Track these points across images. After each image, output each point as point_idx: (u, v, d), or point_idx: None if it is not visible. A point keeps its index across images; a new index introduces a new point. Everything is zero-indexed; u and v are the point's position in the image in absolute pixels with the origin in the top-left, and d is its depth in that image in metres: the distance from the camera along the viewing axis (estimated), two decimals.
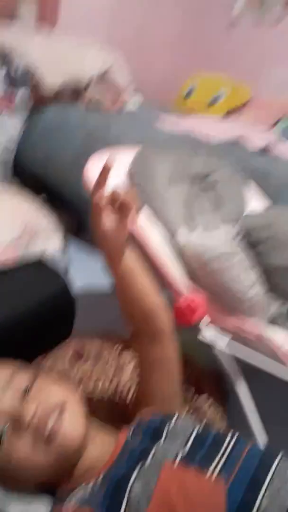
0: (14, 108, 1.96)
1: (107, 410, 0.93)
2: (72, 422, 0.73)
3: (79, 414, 0.75)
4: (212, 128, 2.25)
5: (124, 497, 0.66)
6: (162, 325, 0.85)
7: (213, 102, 2.91)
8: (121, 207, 0.75)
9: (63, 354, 1.02)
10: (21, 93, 1.98)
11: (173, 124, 2.26)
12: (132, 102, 2.51)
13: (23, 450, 0.71)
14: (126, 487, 0.67)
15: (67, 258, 1.20)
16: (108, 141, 1.91)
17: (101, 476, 0.71)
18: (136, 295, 0.83)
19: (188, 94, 2.99)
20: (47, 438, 0.71)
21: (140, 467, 0.69)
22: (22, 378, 0.77)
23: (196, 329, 1.06)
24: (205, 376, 1.09)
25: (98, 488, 0.70)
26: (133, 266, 0.82)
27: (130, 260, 0.82)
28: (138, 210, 0.76)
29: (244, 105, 3.02)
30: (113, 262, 0.81)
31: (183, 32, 3.38)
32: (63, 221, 1.31)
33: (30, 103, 2.05)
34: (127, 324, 0.86)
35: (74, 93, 2.26)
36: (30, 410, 0.71)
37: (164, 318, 0.85)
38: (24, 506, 0.73)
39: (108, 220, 0.76)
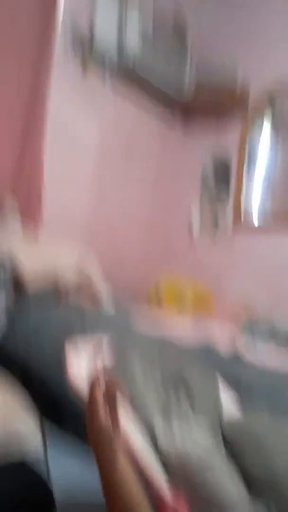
0: None
1: None
2: None
3: None
4: (183, 331, 2.39)
5: None
6: None
7: (180, 303, 3.14)
8: (111, 401, 0.79)
9: None
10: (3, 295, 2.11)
11: (147, 327, 2.39)
12: (106, 300, 2.67)
13: None
14: None
15: (47, 462, 1.16)
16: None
17: None
18: (125, 505, 0.81)
19: (157, 295, 3.23)
20: None
21: None
22: None
23: None
24: None
25: None
26: (126, 470, 0.82)
27: (124, 463, 0.82)
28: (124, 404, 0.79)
29: (208, 309, 3.26)
30: (106, 463, 0.80)
31: (151, 234, 3.81)
32: (44, 413, 1.29)
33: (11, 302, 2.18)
34: None
35: (54, 291, 2.43)
36: None
37: None
38: None
39: (104, 414, 0.78)
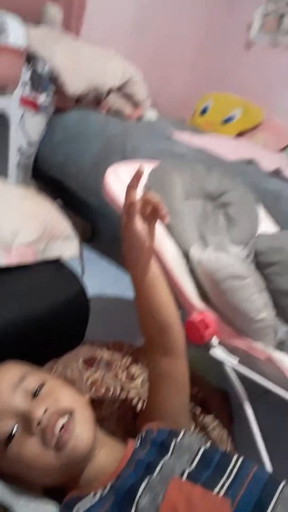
0: (37, 109, 1.98)
1: (115, 421, 0.93)
2: (81, 428, 0.73)
3: (88, 421, 0.76)
4: (225, 147, 2.28)
5: (131, 508, 0.67)
6: (177, 340, 0.85)
7: (226, 121, 2.95)
8: (152, 211, 0.76)
9: (74, 360, 1.02)
10: (45, 96, 1.99)
11: (187, 139, 2.29)
12: (149, 115, 2.54)
13: (31, 451, 0.71)
14: (134, 499, 0.68)
15: (83, 264, 1.20)
16: (125, 150, 1.93)
17: (108, 486, 0.72)
18: (156, 305, 0.83)
19: (203, 112, 3.03)
20: (56, 444, 0.71)
21: (148, 480, 0.70)
22: (32, 379, 0.77)
23: (206, 346, 1.07)
24: (213, 395, 1.09)
25: (105, 498, 0.70)
26: (157, 275, 0.83)
27: (155, 268, 0.82)
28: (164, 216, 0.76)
29: (255, 127, 3.06)
30: (138, 267, 0.81)
31: (200, 51, 3.43)
32: (77, 227, 1.31)
33: (53, 106, 2.07)
34: (142, 333, 0.86)
35: (95, 100, 2.29)
36: (39, 412, 0.71)
37: (179, 333, 0.86)
38: (34, 508, 0.72)
39: (140, 222, 0.76)
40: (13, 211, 1.10)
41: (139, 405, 0.96)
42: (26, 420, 0.71)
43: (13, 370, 0.78)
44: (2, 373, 0.78)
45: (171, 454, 0.75)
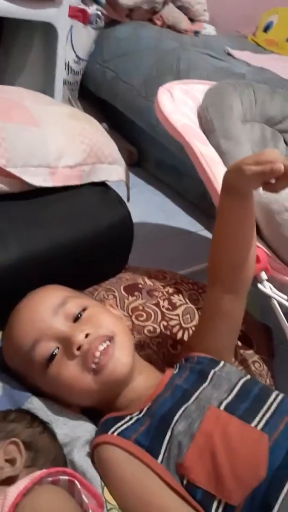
0: (87, 22, 1.86)
1: (155, 347, 0.93)
2: (120, 353, 0.73)
3: (127, 346, 0.76)
4: None
5: (167, 433, 0.67)
6: (247, 281, 0.83)
7: None
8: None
9: (116, 286, 1.01)
10: (96, 7, 1.87)
11: (248, 58, 2.12)
12: (207, 30, 2.35)
13: (70, 374, 0.72)
14: (170, 424, 0.68)
15: (128, 189, 1.16)
16: (180, 67, 1.82)
17: (144, 409, 0.72)
18: (240, 241, 0.79)
19: (267, 28, 2.78)
20: (96, 369, 0.71)
21: (185, 407, 0.70)
22: (74, 303, 0.76)
23: (254, 280, 1.03)
24: (255, 330, 1.07)
25: (141, 420, 0.71)
26: (252, 209, 0.78)
27: (252, 202, 0.78)
28: None
29: None
30: (241, 194, 0.75)
31: None
32: (124, 151, 1.26)
33: (104, 19, 1.94)
34: (210, 265, 0.84)
35: (149, 12, 2.13)
36: (81, 336, 0.72)
37: (251, 275, 0.84)
38: (73, 425, 0.74)
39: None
40: (59, 130, 1.05)
41: (180, 334, 0.95)
42: (67, 344, 0.72)
43: (55, 294, 0.78)
44: (44, 296, 0.78)
45: (209, 382, 0.74)
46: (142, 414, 0.72)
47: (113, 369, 0.72)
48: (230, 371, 0.78)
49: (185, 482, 0.64)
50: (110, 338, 0.74)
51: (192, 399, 0.71)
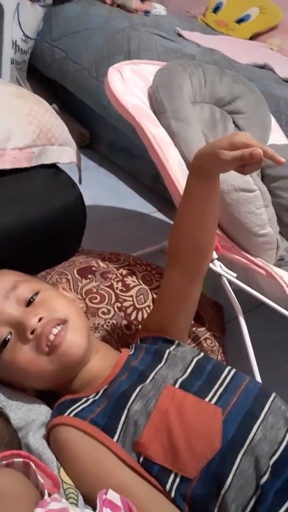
0: None
1: (110, 329, 0.93)
2: (74, 335, 0.73)
3: (81, 328, 0.76)
4: (237, 49, 2.12)
5: (123, 413, 0.69)
6: (204, 267, 0.84)
7: (240, 21, 2.72)
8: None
9: (69, 269, 1.00)
10: None
11: (198, 39, 2.12)
12: (158, 10, 2.33)
13: (25, 357, 0.72)
14: (126, 405, 0.69)
15: (80, 171, 1.15)
16: (130, 47, 1.80)
17: (101, 391, 0.73)
18: (201, 226, 0.79)
19: (216, 9, 2.78)
20: (49, 349, 0.71)
21: (141, 387, 0.71)
22: (26, 287, 0.76)
23: None
24: (207, 307, 1.10)
25: (97, 401, 0.72)
26: (216, 196, 0.78)
27: (218, 188, 0.77)
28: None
29: (272, 29, 2.83)
30: (206, 178, 0.74)
31: None
32: (75, 133, 1.24)
33: None
34: (170, 247, 0.84)
35: None
36: (34, 320, 0.71)
37: (208, 261, 0.85)
38: (27, 409, 0.74)
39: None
40: (6, 110, 1.02)
41: (133, 315, 0.96)
42: (20, 328, 0.71)
43: (5, 278, 0.77)
44: None
45: (165, 362, 0.76)
46: (98, 395, 0.73)
47: (66, 349, 0.72)
48: (184, 350, 0.80)
49: (141, 459, 0.66)
50: (64, 321, 0.73)
51: (148, 380, 0.72)
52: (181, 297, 0.83)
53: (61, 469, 0.68)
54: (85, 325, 0.78)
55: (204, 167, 0.74)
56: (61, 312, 0.74)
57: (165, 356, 0.77)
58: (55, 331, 0.72)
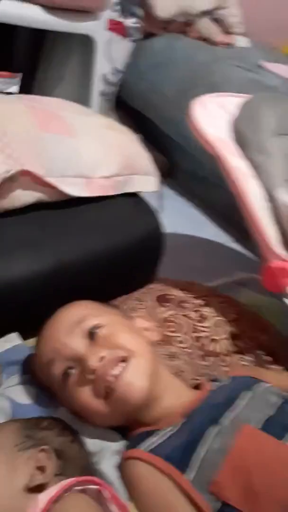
0: (125, 34, 1.89)
1: (185, 358, 0.92)
2: (134, 377, 0.71)
3: (144, 366, 0.73)
4: None
5: (200, 451, 0.66)
6: None
7: None
8: None
9: (146, 296, 1.01)
10: (133, 20, 1.90)
11: (281, 70, 2.11)
12: (241, 42, 2.35)
13: (82, 397, 0.71)
14: (203, 442, 0.67)
15: (161, 200, 1.17)
16: (213, 79, 1.82)
17: (179, 424, 0.71)
18: None
19: None
20: (106, 394, 0.70)
21: (220, 425, 0.68)
22: (92, 321, 0.75)
23: (281, 295, 1.02)
24: (283, 345, 1.06)
25: (174, 436, 0.70)
26: None
27: None
28: None
29: None
30: None
31: None
32: (156, 162, 1.27)
33: (141, 32, 1.97)
34: None
35: (184, 25, 2.15)
36: (94, 359, 0.70)
37: None
38: (100, 434, 0.74)
39: None
40: (95, 140, 1.07)
41: (211, 346, 0.94)
42: (81, 365, 0.71)
43: (73, 311, 0.78)
44: (63, 313, 0.78)
45: (247, 402, 0.73)
46: (175, 430, 0.70)
47: (123, 393, 0.70)
48: (267, 390, 0.77)
49: (217, 506, 0.62)
50: (125, 358, 0.72)
51: (227, 418, 0.70)
52: None
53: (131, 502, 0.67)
54: (150, 363, 0.74)
55: None
56: (125, 348, 0.73)
57: (248, 394, 0.74)
58: (113, 372, 0.70)
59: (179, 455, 0.67)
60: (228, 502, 0.62)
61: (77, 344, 0.73)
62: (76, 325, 0.74)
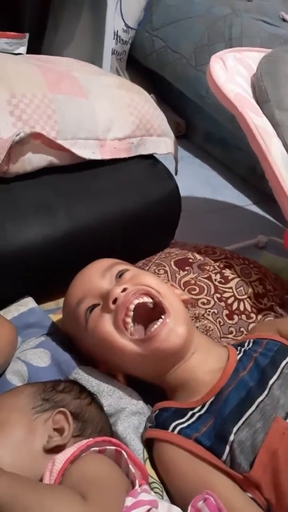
0: None
1: (210, 318, 0.91)
2: (175, 323, 0.70)
3: (179, 312, 0.73)
4: None
5: (228, 439, 0.64)
6: None
7: None
8: None
9: (166, 261, 1.00)
10: None
11: None
12: None
13: (105, 329, 0.72)
14: (232, 429, 0.64)
15: (177, 162, 1.14)
16: (232, 34, 1.75)
17: (207, 403, 0.69)
18: None
19: None
20: (144, 338, 0.70)
21: (249, 414, 0.65)
22: (122, 267, 0.78)
23: None
24: None
25: (204, 418, 0.67)
26: None
27: None
28: None
29: None
30: None
31: None
32: (171, 123, 1.23)
33: None
34: None
35: None
36: (118, 289, 0.72)
37: None
38: (118, 396, 0.74)
39: None
40: (107, 101, 1.04)
41: (235, 305, 0.93)
42: (105, 298, 0.72)
43: (105, 260, 0.81)
44: (95, 262, 0.81)
45: (277, 377, 0.69)
46: (204, 410, 0.68)
47: (165, 336, 0.69)
48: None
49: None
50: (149, 293, 0.72)
51: (256, 403, 0.66)
52: None
53: (147, 461, 0.68)
54: (184, 313, 0.75)
55: None
56: (150, 286, 0.73)
57: (280, 368, 0.70)
58: (136, 301, 0.71)
59: (209, 440, 0.65)
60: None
61: (106, 284, 0.75)
62: (107, 270, 0.77)
